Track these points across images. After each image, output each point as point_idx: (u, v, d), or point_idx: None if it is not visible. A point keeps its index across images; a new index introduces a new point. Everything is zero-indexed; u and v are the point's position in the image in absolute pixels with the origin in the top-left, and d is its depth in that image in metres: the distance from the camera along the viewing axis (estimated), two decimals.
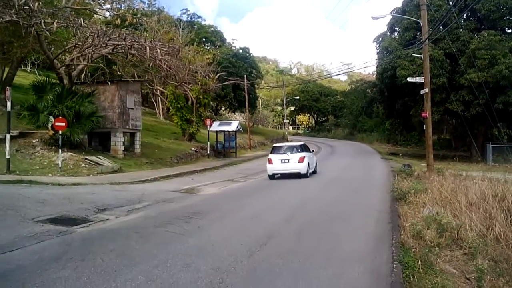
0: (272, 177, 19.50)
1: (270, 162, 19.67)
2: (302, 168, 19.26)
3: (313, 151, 23.44)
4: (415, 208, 10.58)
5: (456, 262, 6.76)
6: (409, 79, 23.53)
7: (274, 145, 23.05)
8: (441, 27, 27.94)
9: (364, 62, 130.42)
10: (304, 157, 19.56)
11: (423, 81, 21.08)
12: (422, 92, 21.26)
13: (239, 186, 17.16)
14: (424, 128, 21.41)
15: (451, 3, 31.54)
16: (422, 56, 21.83)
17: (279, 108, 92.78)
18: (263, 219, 9.93)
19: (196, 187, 15.84)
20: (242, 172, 22.64)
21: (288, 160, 19.41)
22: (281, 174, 19.74)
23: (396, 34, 41.94)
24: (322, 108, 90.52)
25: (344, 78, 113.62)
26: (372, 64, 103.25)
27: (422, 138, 34.62)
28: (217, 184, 17.35)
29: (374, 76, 53.68)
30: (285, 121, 77.20)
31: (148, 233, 8.20)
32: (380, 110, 63.43)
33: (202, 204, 12.16)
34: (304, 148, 20.55)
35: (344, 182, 18.42)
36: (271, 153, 20.40)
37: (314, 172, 21.38)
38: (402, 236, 8.06)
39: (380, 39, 44.09)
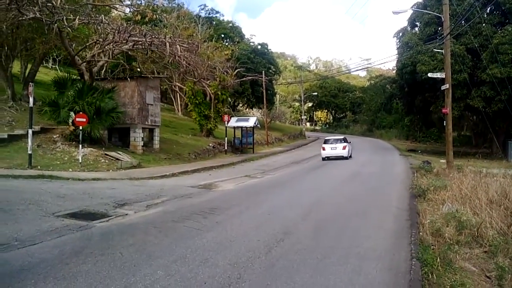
0: (324, 159, 28.30)
1: (323, 149, 28.69)
2: (345, 153, 28.40)
3: (350, 142, 30.90)
4: (434, 205, 10.47)
5: (476, 260, 6.67)
6: (429, 74, 23.27)
7: (326, 138, 31.76)
8: (463, 21, 27.48)
9: (383, 57, 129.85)
10: (346, 145, 28.72)
11: (443, 77, 20.80)
12: (442, 88, 20.97)
13: (256, 182, 17.16)
14: (444, 124, 21.14)
15: None
16: (443, 51, 21.53)
17: (297, 104, 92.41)
18: (281, 215, 9.94)
19: (214, 183, 15.91)
20: (259, 168, 22.65)
21: (336, 147, 28.64)
22: (331, 157, 28.35)
23: (417, 29, 41.37)
24: (340, 104, 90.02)
25: (363, 73, 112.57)
26: (392, 60, 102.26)
27: (442, 134, 34.23)
28: (235, 180, 17.39)
29: (394, 71, 53.15)
30: (302, 117, 76.94)
31: (166, 228, 8.27)
32: (399, 106, 62.74)
33: (219, 200, 12.21)
34: (345, 140, 29.81)
35: (362, 178, 18.33)
36: (324, 143, 29.36)
37: (350, 156, 29.39)
38: (421, 233, 7.99)
39: (401, 34, 43.57)
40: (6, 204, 9.20)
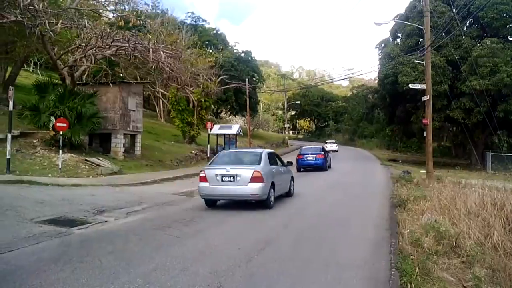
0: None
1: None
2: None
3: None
4: (414, 215, 10.55)
5: (454, 270, 6.75)
6: (410, 85, 23.59)
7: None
8: (443, 34, 28.05)
9: (366, 67, 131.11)
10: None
11: (424, 88, 21.12)
12: (423, 99, 21.30)
13: None
14: (425, 135, 21.43)
15: (454, 10, 31.65)
16: (424, 62, 21.89)
17: (280, 112, 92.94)
18: (262, 223, 9.93)
19: (196, 190, 15.78)
20: None
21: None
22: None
23: (398, 40, 42.13)
24: (323, 113, 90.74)
25: (345, 83, 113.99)
26: (374, 70, 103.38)
27: (422, 145, 34.69)
28: None
29: (376, 82, 53.87)
30: (285, 125, 77.29)
31: (147, 236, 8.20)
32: (381, 116, 63.61)
33: (201, 208, 12.13)
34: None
35: (343, 187, 18.44)
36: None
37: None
38: (400, 243, 8.05)
39: (383, 45, 44.26)
40: None
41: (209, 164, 12.76)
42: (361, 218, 11.19)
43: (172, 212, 11.04)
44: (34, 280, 5.38)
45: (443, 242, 7.72)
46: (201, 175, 11.90)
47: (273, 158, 13.54)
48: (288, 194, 14.67)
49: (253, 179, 11.28)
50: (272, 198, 12.06)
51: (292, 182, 15.04)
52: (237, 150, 17.68)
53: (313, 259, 6.96)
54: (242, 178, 11.35)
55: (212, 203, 12.26)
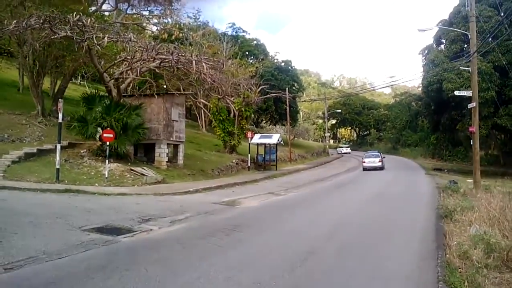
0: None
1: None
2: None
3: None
4: (461, 227, 10.19)
5: (507, 286, 6.44)
6: (456, 92, 22.91)
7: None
8: (490, 39, 27.11)
9: (408, 74, 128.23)
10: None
11: (470, 95, 20.46)
12: (469, 106, 20.63)
13: (279, 200, 17.09)
14: (471, 143, 20.72)
15: (502, 14, 30.53)
16: (470, 69, 21.21)
17: (320, 121, 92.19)
18: (305, 234, 9.86)
19: (237, 200, 15.93)
20: (282, 186, 22.57)
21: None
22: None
23: (442, 46, 41.16)
24: (364, 122, 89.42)
25: (388, 91, 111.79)
26: (417, 77, 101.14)
27: (469, 153, 33.62)
28: (258, 197, 17.36)
29: (419, 89, 52.74)
30: (326, 134, 76.58)
31: (190, 245, 8.31)
32: (425, 124, 62.00)
33: (243, 217, 12.21)
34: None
35: (387, 198, 18.04)
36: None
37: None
38: (447, 255, 7.79)
39: (426, 51, 43.35)
40: (34, 217, 9.42)
41: (364, 158, 38.06)
42: (406, 229, 10.94)
43: (214, 221, 11.14)
44: (83, 286, 5.58)
45: (493, 255, 7.39)
46: (363, 160, 37.63)
47: (381, 155, 37.82)
48: (382, 168, 35.75)
49: (379, 161, 35.79)
50: (384, 167, 35.54)
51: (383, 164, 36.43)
52: (370, 152, 42.54)
53: (358, 271, 6.84)
54: (376, 160, 35.91)
55: (365, 170, 34.48)
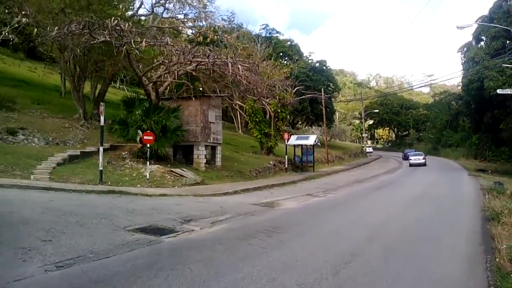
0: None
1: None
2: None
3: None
4: (510, 230, 9.81)
5: None
6: (498, 91, 22.11)
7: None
8: None
9: (447, 73, 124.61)
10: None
11: None
12: None
13: (318, 201, 16.94)
14: None
15: None
16: None
17: (357, 121, 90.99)
18: (346, 236, 9.73)
19: (276, 201, 15.87)
20: (320, 187, 22.37)
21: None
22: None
23: (482, 43, 39.88)
24: (403, 122, 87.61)
25: (426, 90, 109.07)
26: (456, 75, 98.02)
27: None
28: (296, 198, 17.27)
29: (459, 87, 51.31)
30: (363, 135, 75.50)
31: (232, 245, 8.34)
32: (466, 124, 60.19)
33: (282, 218, 12.16)
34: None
35: (430, 200, 17.61)
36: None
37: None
38: (497, 259, 7.50)
39: (465, 49, 42.11)
40: (81, 218, 9.67)
41: (410, 156, 46.57)
42: (452, 231, 10.64)
43: (254, 222, 11.14)
44: (131, 285, 5.68)
45: None
46: (409, 158, 45.91)
47: (424, 154, 47.69)
48: (425, 164, 42.79)
49: (423, 159, 43.97)
50: (426, 163, 43.25)
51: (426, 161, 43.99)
52: (413, 152, 52.39)
53: (403, 274, 6.67)
54: (420, 158, 44.33)
55: (412, 166, 42.42)
